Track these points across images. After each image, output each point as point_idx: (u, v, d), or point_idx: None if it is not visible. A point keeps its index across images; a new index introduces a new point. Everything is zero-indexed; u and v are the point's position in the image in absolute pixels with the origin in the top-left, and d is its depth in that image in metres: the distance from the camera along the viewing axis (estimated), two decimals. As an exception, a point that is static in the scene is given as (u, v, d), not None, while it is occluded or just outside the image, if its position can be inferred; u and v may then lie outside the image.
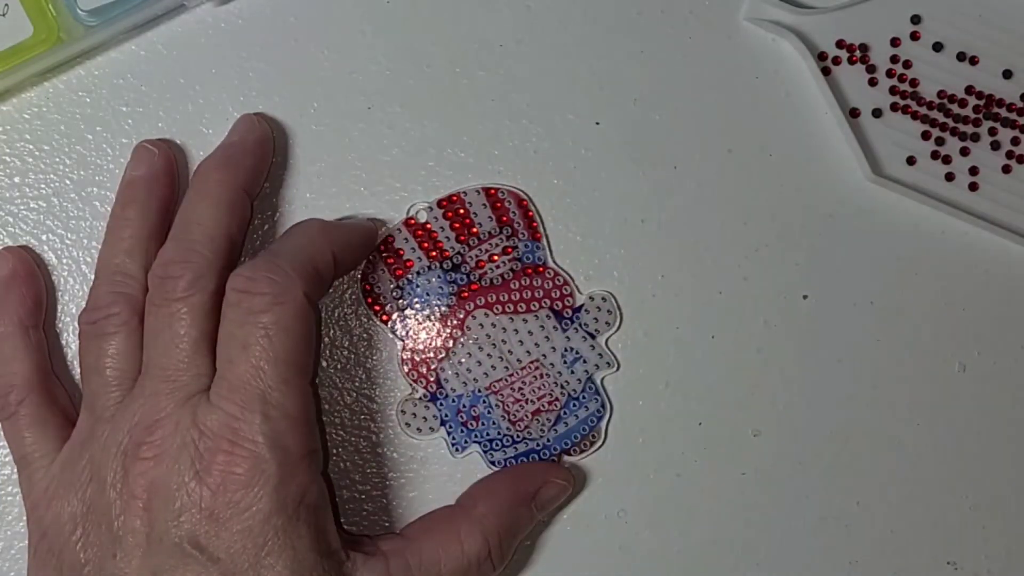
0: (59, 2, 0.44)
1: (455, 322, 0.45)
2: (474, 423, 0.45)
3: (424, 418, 0.45)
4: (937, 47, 0.46)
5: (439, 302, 0.45)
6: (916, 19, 0.46)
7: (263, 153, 0.45)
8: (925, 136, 0.46)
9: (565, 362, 0.45)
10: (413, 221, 0.46)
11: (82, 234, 0.46)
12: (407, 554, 0.41)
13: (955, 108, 0.46)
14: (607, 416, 0.46)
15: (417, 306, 0.45)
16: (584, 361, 0.46)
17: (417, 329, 0.45)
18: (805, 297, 0.47)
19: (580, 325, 0.46)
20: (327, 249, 0.42)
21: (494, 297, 0.45)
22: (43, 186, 0.46)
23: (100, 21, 0.44)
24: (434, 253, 0.45)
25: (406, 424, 0.46)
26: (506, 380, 0.45)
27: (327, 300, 0.46)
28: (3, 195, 0.46)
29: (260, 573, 0.38)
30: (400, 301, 0.45)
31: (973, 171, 0.46)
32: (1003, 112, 0.46)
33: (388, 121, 0.46)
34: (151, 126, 0.46)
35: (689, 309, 0.46)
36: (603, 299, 0.46)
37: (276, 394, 0.39)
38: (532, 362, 0.45)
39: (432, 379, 0.45)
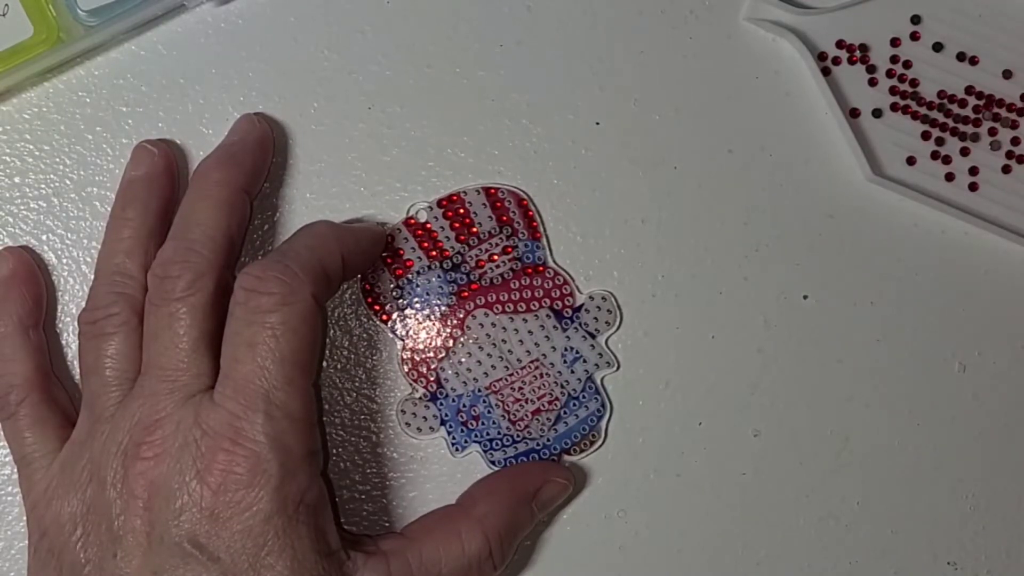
0: (59, 2, 0.44)
1: (455, 322, 0.45)
2: (474, 423, 0.45)
3: (424, 418, 0.45)
4: (937, 47, 0.46)
5: (439, 302, 0.45)
6: (916, 19, 0.46)
7: (263, 153, 0.45)
8: (925, 136, 0.46)
9: (565, 362, 0.45)
10: (413, 221, 0.46)
11: (82, 234, 0.46)
12: (408, 554, 0.41)
13: (955, 108, 0.46)
14: (607, 416, 0.46)
15: (417, 306, 0.45)
16: (584, 361, 0.46)
17: (417, 329, 0.45)
18: (805, 297, 0.47)
19: (580, 325, 0.46)
20: (336, 251, 0.42)
21: (494, 297, 0.45)
22: (43, 186, 0.46)
23: (100, 21, 0.44)
24: (434, 253, 0.45)
25: (406, 424, 0.46)
26: (506, 380, 0.45)
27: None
28: (3, 195, 0.46)
29: (260, 573, 0.38)
30: (400, 301, 0.45)
31: (973, 171, 0.46)
32: (1003, 112, 0.46)
33: (388, 121, 0.46)
34: (151, 126, 0.46)
35: (689, 309, 0.46)
36: (603, 299, 0.46)
37: (280, 394, 0.39)
38: (532, 362, 0.45)
39: (432, 379, 0.45)
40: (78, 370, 0.44)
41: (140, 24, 0.45)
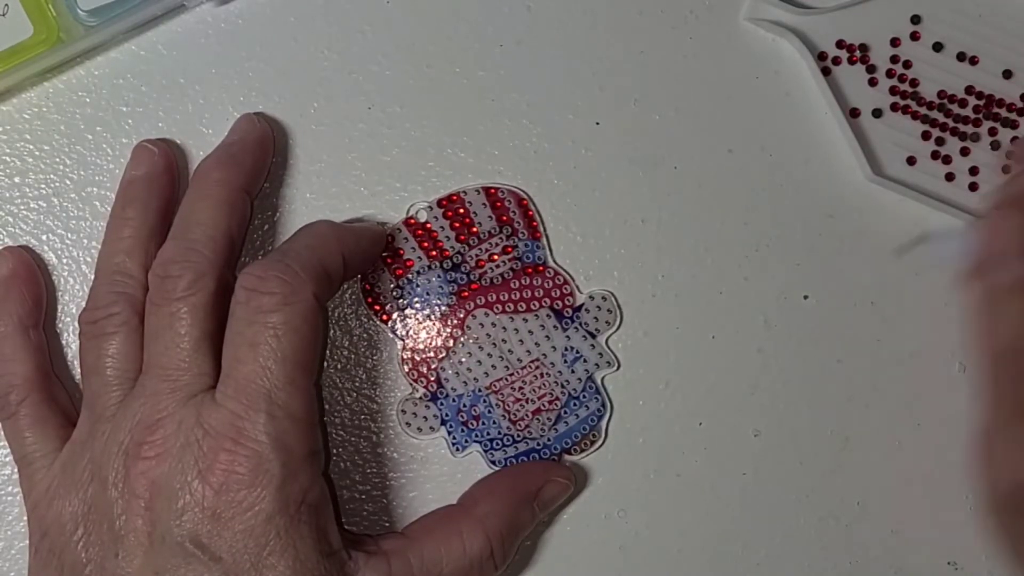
0: (59, 2, 0.44)
1: (455, 321, 0.45)
2: (474, 422, 0.45)
3: (424, 418, 0.45)
4: (937, 47, 0.46)
5: (439, 302, 0.45)
6: (916, 19, 0.46)
7: (263, 153, 0.45)
8: (925, 136, 0.46)
9: (565, 361, 0.45)
10: (413, 221, 0.46)
11: (82, 234, 0.45)
12: (409, 553, 0.41)
13: (955, 108, 0.46)
14: (607, 415, 0.46)
15: (417, 305, 0.45)
16: (584, 360, 0.46)
17: (417, 329, 0.45)
18: (805, 297, 0.47)
19: (580, 324, 0.46)
20: (337, 251, 0.42)
21: (494, 296, 0.45)
22: (43, 186, 0.46)
23: (100, 21, 0.44)
24: (434, 253, 0.45)
25: (406, 424, 0.45)
26: (506, 379, 0.45)
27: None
28: (3, 195, 0.45)
29: (262, 573, 0.38)
30: (400, 301, 0.45)
31: (973, 171, 0.46)
32: (1003, 112, 0.46)
33: (388, 121, 0.46)
34: (151, 126, 0.46)
35: (689, 309, 0.46)
36: (603, 298, 0.46)
37: (282, 394, 0.39)
38: (532, 361, 0.45)
39: (432, 379, 0.45)
40: (78, 370, 0.44)
41: (140, 24, 0.45)
